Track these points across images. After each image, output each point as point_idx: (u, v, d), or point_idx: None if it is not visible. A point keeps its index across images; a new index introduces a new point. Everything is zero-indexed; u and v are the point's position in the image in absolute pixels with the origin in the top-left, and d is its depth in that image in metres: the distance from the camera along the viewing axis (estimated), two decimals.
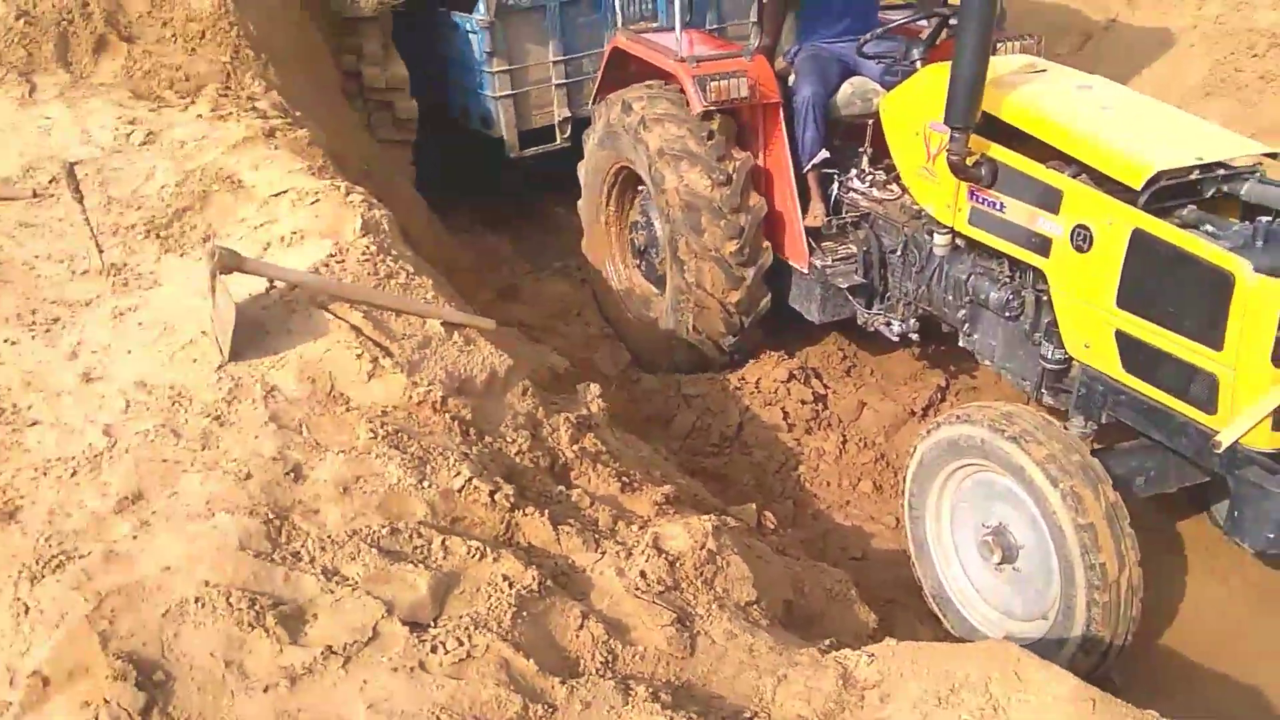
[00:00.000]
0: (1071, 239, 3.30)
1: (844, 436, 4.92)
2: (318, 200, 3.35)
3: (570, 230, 6.22)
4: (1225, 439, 2.83)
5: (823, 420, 5.02)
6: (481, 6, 6.23)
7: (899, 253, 4.43)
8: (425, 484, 2.61)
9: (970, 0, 3.18)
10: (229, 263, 2.72)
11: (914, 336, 4.49)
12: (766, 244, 4.83)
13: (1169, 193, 3.15)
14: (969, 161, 3.57)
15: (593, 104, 5.68)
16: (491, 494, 2.65)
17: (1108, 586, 3.00)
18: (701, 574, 2.75)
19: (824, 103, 4.67)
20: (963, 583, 3.62)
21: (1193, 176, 3.17)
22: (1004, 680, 2.24)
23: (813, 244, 4.75)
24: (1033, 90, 3.68)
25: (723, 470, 4.62)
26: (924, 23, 4.61)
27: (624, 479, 3.15)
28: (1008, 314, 3.76)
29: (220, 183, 3.56)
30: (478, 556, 2.46)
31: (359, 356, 2.85)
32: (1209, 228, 3.05)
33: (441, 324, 3.10)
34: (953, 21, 4.98)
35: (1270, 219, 2.90)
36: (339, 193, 3.40)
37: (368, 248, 3.20)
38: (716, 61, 4.73)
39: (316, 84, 5.21)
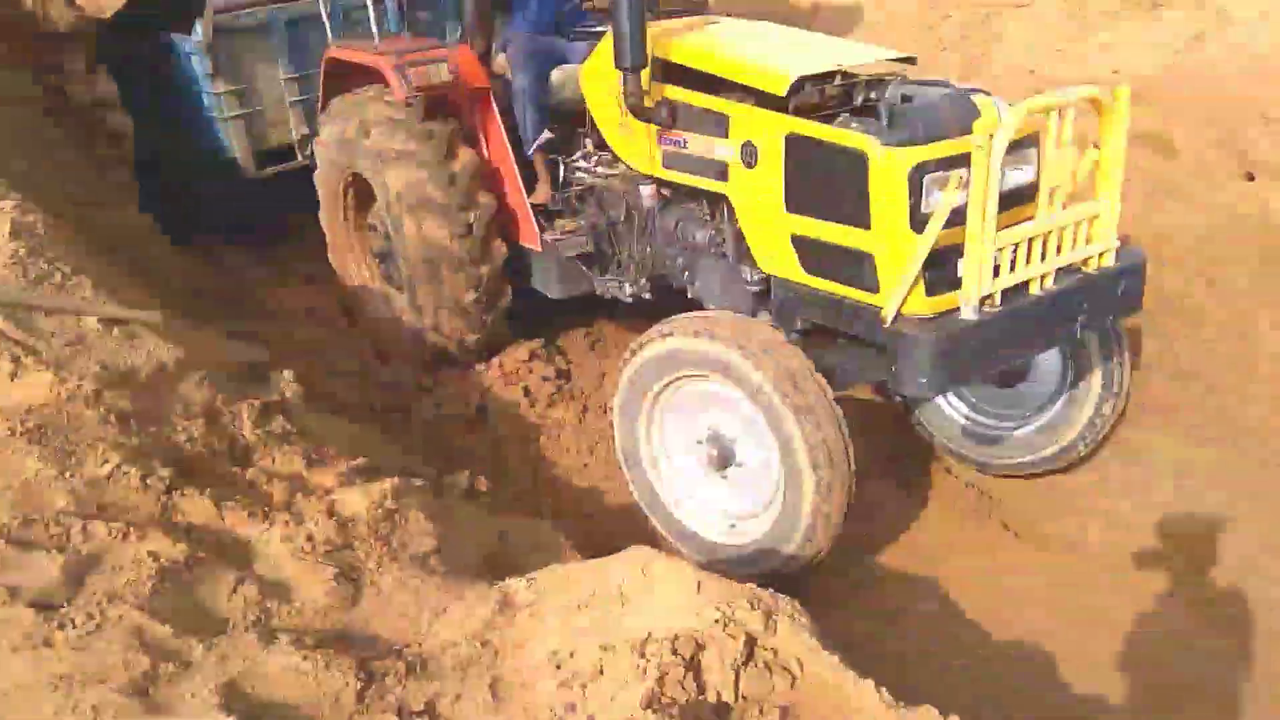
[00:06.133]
0: (742, 157, 3.51)
1: (584, 406, 5.10)
2: None
3: (316, 241, 6.15)
4: (888, 312, 3.08)
5: (565, 393, 5.16)
6: (198, 28, 6.04)
7: (623, 219, 4.59)
8: (67, 474, 2.57)
9: None
10: None
11: (646, 296, 4.63)
12: (507, 285, 4.96)
13: (824, 104, 3.38)
14: (647, 104, 3.73)
15: (320, 113, 5.64)
16: (144, 478, 2.63)
17: (830, 487, 3.13)
18: (376, 531, 2.82)
19: (539, 87, 4.77)
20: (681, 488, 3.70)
21: (838, 83, 3.42)
22: (633, 580, 2.42)
23: (543, 223, 4.87)
24: (700, 32, 3.94)
25: (462, 450, 4.69)
26: None
27: (312, 456, 3.18)
28: (714, 250, 3.96)
29: None
30: (120, 537, 2.45)
31: None
32: (855, 125, 3.25)
33: (100, 321, 3.04)
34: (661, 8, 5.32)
35: (898, 102, 3.16)
36: None
37: (16, 251, 3.10)
38: (417, 53, 4.77)
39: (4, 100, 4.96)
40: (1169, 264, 4.42)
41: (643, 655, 2.09)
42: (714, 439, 3.50)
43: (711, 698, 2.10)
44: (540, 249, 4.88)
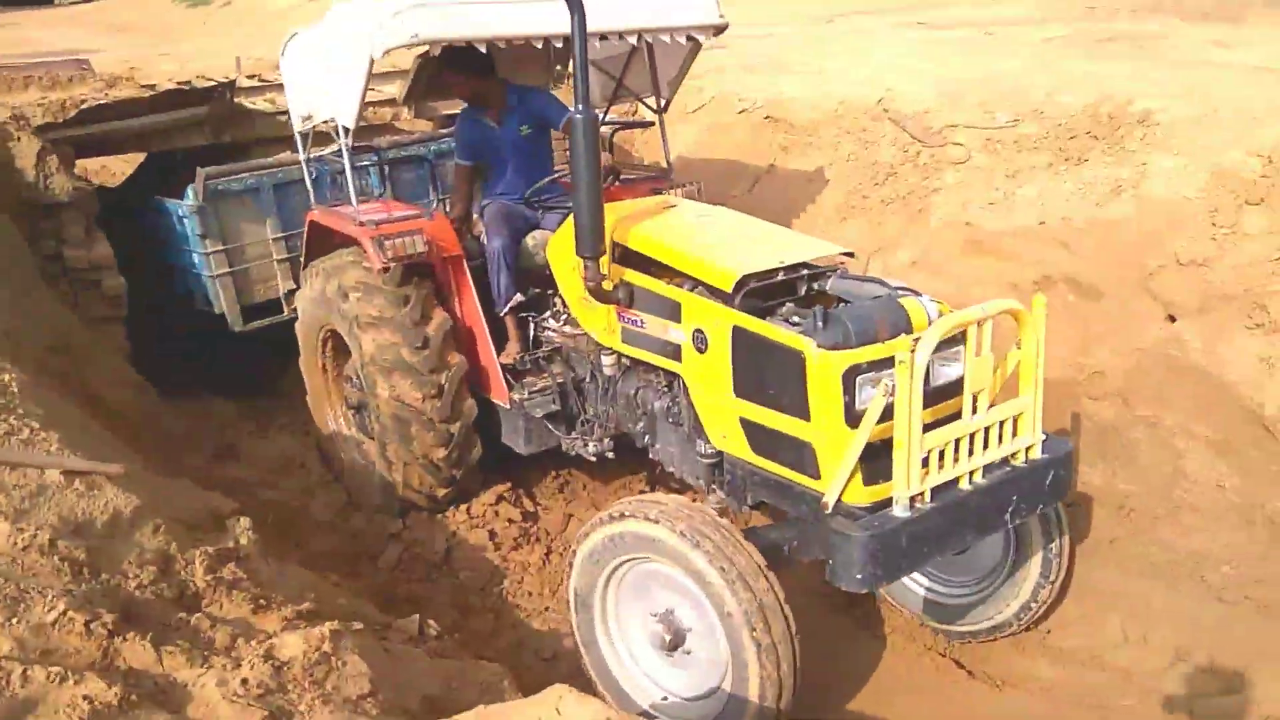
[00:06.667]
0: (693, 342, 3.76)
1: (549, 548, 5.19)
2: None
3: (299, 391, 6.38)
4: (830, 499, 3.22)
5: (530, 535, 5.27)
6: (189, 193, 6.39)
7: (588, 380, 4.80)
8: (14, 620, 2.69)
9: (577, 149, 3.63)
10: None
11: (610, 455, 4.78)
12: (477, 439, 5.13)
13: (768, 294, 3.65)
14: (606, 286, 4.00)
15: (304, 270, 5.95)
16: (87, 624, 2.74)
17: (775, 664, 3.14)
18: (311, 675, 2.90)
19: (512, 251, 5.04)
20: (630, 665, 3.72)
21: (782, 278, 3.67)
22: (548, 718, 2.50)
23: (511, 380, 5.04)
24: (656, 221, 4.23)
25: (424, 595, 4.77)
26: None
27: (259, 602, 3.28)
28: (671, 420, 4.17)
29: None
30: (58, 681, 2.54)
31: None
32: (795, 319, 3.52)
33: (62, 473, 3.22)
34: (625, 176, 5.72)
35: (835, 305, 3.42)
36: None
37: None
38: (395, 223, 4.98)
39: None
40: (1102, 399, 4.60)
41: None
42: (667, 619, 3.49)
43: None
44: (509, 406, 5.04)
